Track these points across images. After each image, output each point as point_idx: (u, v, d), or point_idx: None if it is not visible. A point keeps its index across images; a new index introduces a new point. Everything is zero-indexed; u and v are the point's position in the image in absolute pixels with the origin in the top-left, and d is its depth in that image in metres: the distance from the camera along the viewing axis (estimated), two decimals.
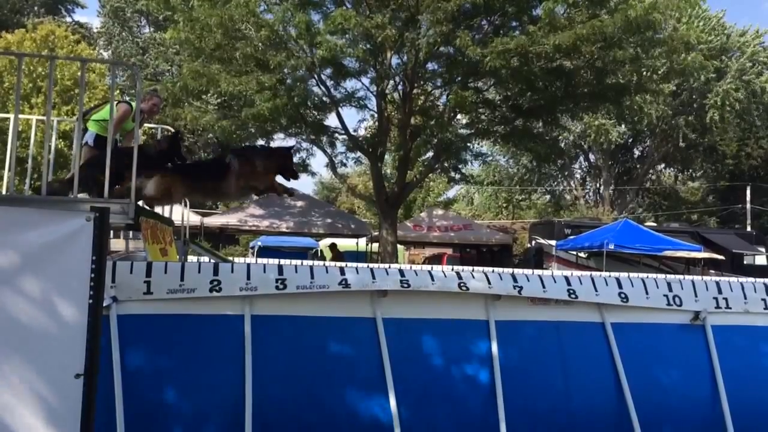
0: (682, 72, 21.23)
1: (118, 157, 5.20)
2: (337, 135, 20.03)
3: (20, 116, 6.65)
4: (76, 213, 3.09)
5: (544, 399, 4.86)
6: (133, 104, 6.61)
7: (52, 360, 2.93)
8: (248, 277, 4.64)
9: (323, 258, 23.46)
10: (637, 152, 45.73)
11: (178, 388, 4.44)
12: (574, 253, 23.59)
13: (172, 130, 9.60)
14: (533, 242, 26.87)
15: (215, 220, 21.70)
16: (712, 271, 21.88)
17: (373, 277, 4.83)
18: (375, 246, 22.11)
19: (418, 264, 26.56)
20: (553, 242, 24.20)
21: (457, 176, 22.86)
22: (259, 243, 27.19)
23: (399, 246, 22.91)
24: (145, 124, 8.53)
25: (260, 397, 4.44)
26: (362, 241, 22.88)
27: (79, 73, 22.00)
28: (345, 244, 23.44)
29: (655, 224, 29.52)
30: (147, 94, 7.11)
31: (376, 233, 21.68)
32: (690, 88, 36.19)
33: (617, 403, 4.92)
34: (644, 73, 19.58)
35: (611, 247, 19.97)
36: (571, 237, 23.71)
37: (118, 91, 22.59)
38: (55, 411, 2.93)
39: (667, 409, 4.99)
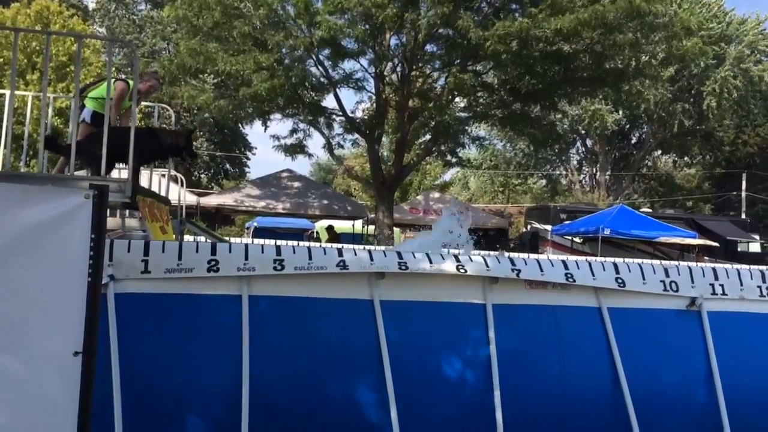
0: (682, 57, 21.13)
1: (118, 136, 5.18)
2: (334, 116, 19.94)
3: (16, 93, 6.60)
4: (75, 190, 3.06)
5: (540, 382, 4.88)
6: (131, 82, 6.58)
7: (51, 338, 2.92)
8: (246, 258, 4.62)
9: (319, 239, 23.47)
10: (633, 138, 45.72)
11: (175, 367, 4.44)
12: (570, 237, 23.66)
13: (169, 108, 9.58)
14: (529, 227, 26.93)
15: (211, 200, 21.65)
16: (706, 258, 22.00)
17: (371, 259, 4.82)
18: (371, 228, 22.12)
19: None
20: (548, 227, 24.26)
21: (454, 160, 22.83)
22: (255, 223, 27.18)
23: (395, 228, 22.92)
24: (142, 102, 8.48)
25: (257, 377, 4.45)
26: (358, 223, 22.89)
27: (73, 49, 21.83)
28: (341, 225, 23.46)
29: (650, 210, 29.63)
30: (146, 75, 7.07)
31: (373, 215, 21.68)
32: (689, 74, 36.09)
33: (613, 387, 4.95)
34: (643, 58, 19.48)
35: (607, 232, 20.03)
36: (567, 222, 23.77)
37: (114, 69, 22.35)
38: (54, 388, 2.93)
39: (662, 394, 5.02)
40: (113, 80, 6.54)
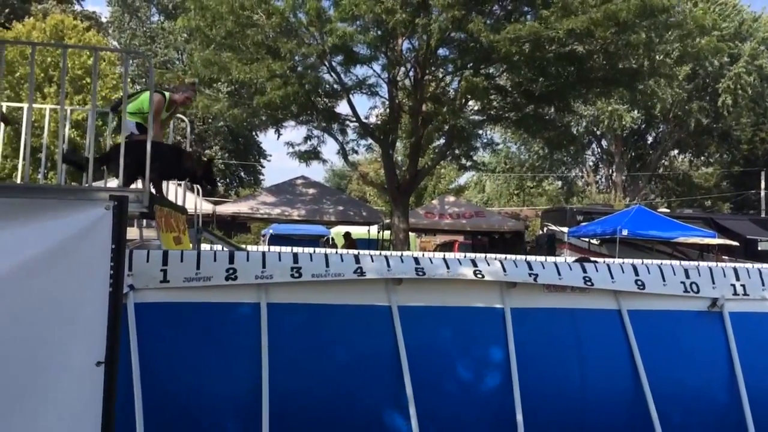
0: (696, 56, 20.93)
1: (144, 150, 5.25)
2: (348, 122, 19.99)
3: (33, 106, 6.70)
4: (95, 202, 3.09)
5: (560, 386, 4.84)
6: (167, 94, 6.75)
7: (73, 349, 2.95)
8: (264, 266, 4.64)
9: (335, 246, 23.52)
10: (650, 138, 45.37)
11: (195, 375, 4.46)
12: (587, 239, 23.49)
13: (184, 119, 9.64)
14: (545, 229, 26.78)
15: (227, 208, 21.76)
16: (726, 258, 21.73)
17: (388, 265, 4.82)
18: (387, 233, 22.11)
19: (430, 251, 26.57)
20: (565, 229, 24.10)
21: (468, 164, 22.76)
22: (271, 231, 27.27)
23: (411, 233, 22.90)
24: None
25: (276, 385, 4.45)
26: (374, 229, 22.89)
27: (89, 62, 22.06)
28: (356, 231, 23.47)
29: (668, 210, 29.36)
30: (183, 86, 7.23)
31: (388, 221, 21.67)
32: (705, 72, 35.76)
33: (634, 390, 4.89)
34: (658, 57, 19.32)
35: (624, 233, 19.83)
36: (584, 223, 23.59)
37: (130, 80, 22.58)
38: (77, 399, 2.95)
39: (683, 396, 4.96)
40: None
